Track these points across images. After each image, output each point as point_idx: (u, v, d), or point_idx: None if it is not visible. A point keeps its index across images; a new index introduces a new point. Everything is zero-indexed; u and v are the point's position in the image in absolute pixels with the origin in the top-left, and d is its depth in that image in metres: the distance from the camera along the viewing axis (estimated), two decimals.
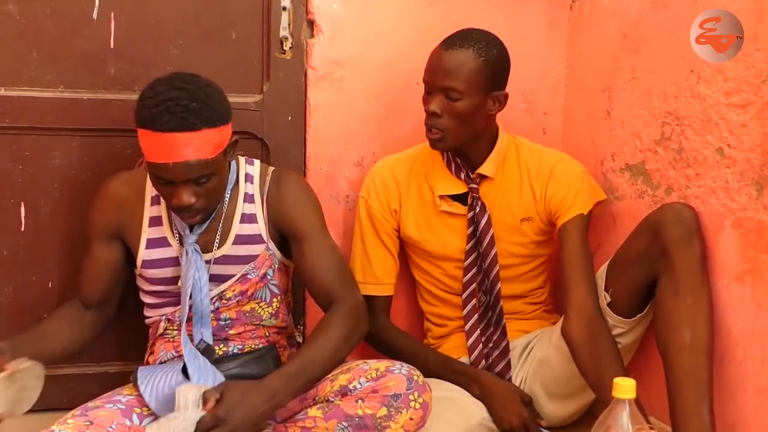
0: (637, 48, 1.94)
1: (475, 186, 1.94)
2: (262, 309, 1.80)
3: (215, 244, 1.74)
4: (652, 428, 1.32)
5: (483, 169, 1.94)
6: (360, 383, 1.62)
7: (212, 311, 1.75)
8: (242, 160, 1.81)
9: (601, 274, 1.84)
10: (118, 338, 1.99)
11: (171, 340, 1.78)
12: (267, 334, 1.82)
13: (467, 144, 1.90)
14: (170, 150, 1.55)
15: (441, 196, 1.97)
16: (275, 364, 1.77)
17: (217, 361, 1.73)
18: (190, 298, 1.71)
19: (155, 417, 1.59)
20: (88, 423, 1.53)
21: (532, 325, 2.04)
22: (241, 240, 1.75)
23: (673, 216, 1.66)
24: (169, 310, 1.79)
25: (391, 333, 2.01)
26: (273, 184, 1.78)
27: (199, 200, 1.62)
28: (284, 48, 2.06)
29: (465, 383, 1.90)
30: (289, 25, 2.05)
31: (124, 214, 1.77)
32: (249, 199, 1.77)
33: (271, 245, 1.78)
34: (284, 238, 1.79)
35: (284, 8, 2.04)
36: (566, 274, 1.83)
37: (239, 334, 1.79)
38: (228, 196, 1.75)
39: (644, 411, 1.54)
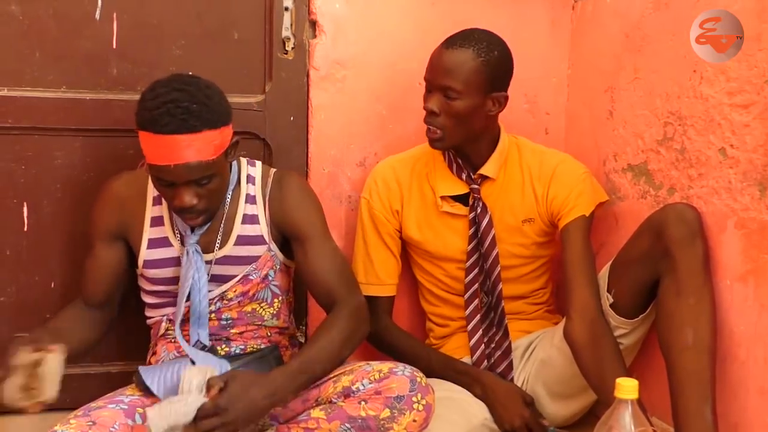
0: (639, 48, 1.93)
1: (476, 187, 1.94)
2: (264, 309, 1.81)
3: (216, 245, 1.74)
4: (654, 429, 1.32)
5: (485, 170, 1.93)
6: (363, 385, 1.63)
7: (213, 311, 1.76)
8: (243, 161, 1.81)
9: (604, 274, 1.84)
10: (120, 338, 1.99)
11: (173, 340, 1.78)
12: (269, 334, 1.82)
13: (468, 144, 1.90)
14: (171, 152, 1.55)
15: (442, 197, 1.96)
16: (278, 364, 1.77)
17: None
18: (189, 298, 1.72)
19: None
20: (90, 423, 1.53)
21: (534, 325, 2.04)
22: (243, 241, 1.75)
23: (676, 216, 1.66)
24: (170, 310, 1.79)
25: (394, 333, 2.01)
26: (275, 186, 1.78)
27: (201, 201, 1.63)
28: (286, 48, 2.06)
29: (467, 383, 1.90)
30: (291, 25, 2.05)
31: (126, 214, 1.77)
32: (251, 200, 1.77)
33: (273, 246, 1.78)
34: (286, 239, 1.80)
35: (286, 8, 2.04)
36: (568, 275, 1.83)
37: (241, 334, 1.79)
38: (229, 196, 1.75)
39: (646, 411, 1.53)
